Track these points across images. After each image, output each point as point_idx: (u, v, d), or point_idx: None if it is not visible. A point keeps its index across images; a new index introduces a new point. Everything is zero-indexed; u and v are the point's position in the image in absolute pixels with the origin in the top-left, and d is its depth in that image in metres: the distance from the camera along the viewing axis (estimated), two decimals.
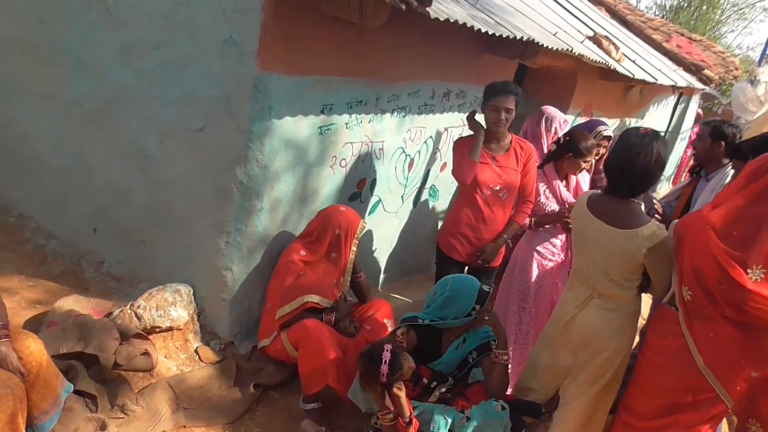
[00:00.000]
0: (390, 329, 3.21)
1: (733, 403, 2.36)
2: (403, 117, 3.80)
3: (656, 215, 3.46)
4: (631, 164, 2.48)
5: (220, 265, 3.10)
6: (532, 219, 3.61)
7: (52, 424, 2.29)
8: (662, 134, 2.59)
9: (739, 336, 2.30)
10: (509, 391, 3.08)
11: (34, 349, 2.22)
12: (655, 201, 3.59)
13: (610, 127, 4.13)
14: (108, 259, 3.53)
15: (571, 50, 4.22)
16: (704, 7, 20.07)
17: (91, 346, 2.65)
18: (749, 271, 2.21)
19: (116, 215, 3.45)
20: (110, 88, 3.28)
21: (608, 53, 5.42)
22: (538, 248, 3.63)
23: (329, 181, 3.44)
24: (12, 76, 3.70)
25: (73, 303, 2.95)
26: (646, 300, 2.75)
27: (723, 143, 3.66)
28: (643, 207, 3.13)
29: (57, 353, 2.57)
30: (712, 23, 20.22)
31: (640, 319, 2.84)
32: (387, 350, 2.62)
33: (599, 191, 2.74)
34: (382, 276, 4.36)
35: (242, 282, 3.17)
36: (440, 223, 4.54)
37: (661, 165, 2.48)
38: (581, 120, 5.67)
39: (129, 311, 2.92)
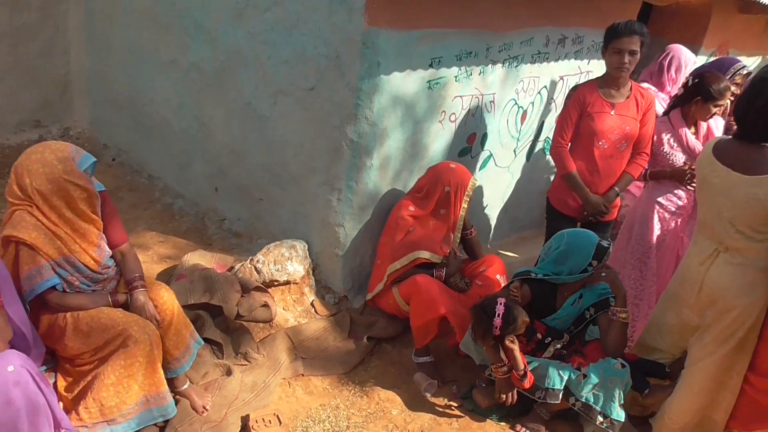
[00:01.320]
0: (502, 285, 3.17)
1: None
2: (515, 67, 3.65)
3: None
4: (755, 102, 2.30)
5: (333, 221, 3.18)
6: (648, 171, 3.38)
7: (184, 370, 2.48)
8: None
9: None
10: (629, 350, 2.95)
11: (167, 299, 2.40)
12: None
13: (749, 65, 3.72)
14: (229, 217, 3.74)
15: None
16: None
17: (216, 298, 2.84)
18: None
19: (235, 175, 3.63)
20: (225, 52, 3.41)
21: None
22: (659, 200, 3.40)
23: (438, 136, 3.39)
24: (140, 45, 3.96)
25: (198, 258, 3.17)
26: None
27: None
28: None
29: (186, 304, 2.77)
30: None
31: None
32: (501, 303, 2.60)
33: (729, 137, 2.51)
34: (493, 232, 4.29)
35: (354, 238, 3.24)
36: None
37: None
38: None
39: (249, 265, 3.09)
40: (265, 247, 3.20)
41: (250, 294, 2.94)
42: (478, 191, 3.91)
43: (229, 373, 2.70)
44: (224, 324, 2.89)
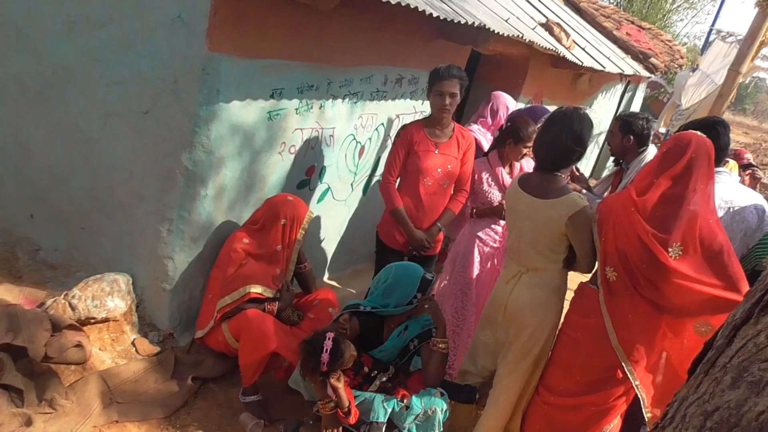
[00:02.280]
0: (334, 318, 3.21)
1: (639, 382, 2.50)
2: (355, 103, 3.75)
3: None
4: (549, 139, 2.65)
5: (162, 253, 3.01)
6: (474, 208, 3.64)
7: None
8: (584, 113, 2.71)
9: (652, 316, 2.45)
10: (451, 379, 3.13)
11: None
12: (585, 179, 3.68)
13: None
14: (44, 246, 3.38)
15: (522, 37, 4.23)
16: None
17: (20, 338, 2.55)
18: (669, 249, 2.37)
19: (54, 200, 3.30)
20: (52, 67, 3.11)
21: (559, 40, 5.47)
22: (479, 234, 3.66)
23: (277, 168, 3.37)
24: None
25: (2, 292, 2.82)
26: (573, 278, 2.84)
27: (632, 136, 3.78)
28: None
29: None
30: (663, 12, 20.67)
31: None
32: (329, 338, 2.63)
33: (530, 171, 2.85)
34: (329, 265, 4.34)
35: (184, 271, 3.10)
36: None
37: (577, 140, 2.62)
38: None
39: (63, 301, 2.81)
40: (84, 281, 2.93)
41: (61, 333, 2.67)
42: (316, 224, 3.95)
43: (28, 423, 2.41)
44: (29, 367, 2.59)
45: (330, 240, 4.22)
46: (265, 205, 3.21)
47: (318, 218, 3.91)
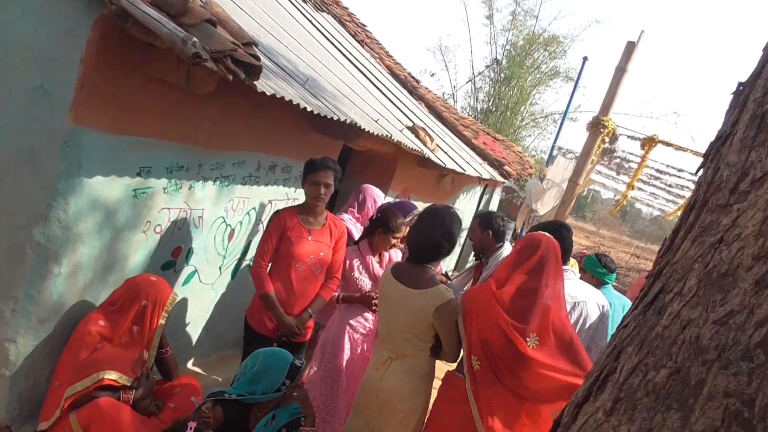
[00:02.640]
0: (197, 407, 3.00)
1: None
2: (226, 186, 3.74)
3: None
4: (422, 234, 2.82)
5: (3, 336, 2.71)
6: (340, 295, 3.68)
7: None
8: (452, 211, 2.92)
9: (515, 404, 2.57)
10: None
11: None
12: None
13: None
14: None
15: (390, 136, 4.52)
16: (508, 113, 22.97)
17: None
18: (528, 339, 2.53)
19: None
20: None
21: (424, 143, 5.89)
22: (351, 322, 3.69)
23: (141, 247, 3.23)
24: None
25: None
26: (440, 365, 2.91)
27: (490, 232, 4.07)
28: None
29: None
30: (513, 127, 23.13)
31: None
32: (190, 428, 2.46)
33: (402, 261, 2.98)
34: (194, 351, 4.11)
35: (28, 356, 2.80)
36: None
37: (447, 236, 2.81)
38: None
39: None
40: None
41: None
42: (181, 307, 3.76)
43: None
44: None
45: (195, 324, 4.03)
46: (125, 285, 3.03)
47: (183, 301, 3.74)
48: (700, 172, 1.08)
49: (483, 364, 2.60)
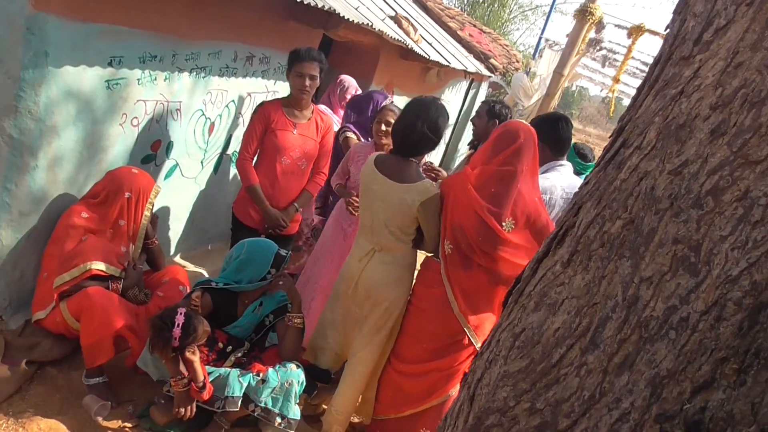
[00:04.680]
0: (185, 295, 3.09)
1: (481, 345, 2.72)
2: (203, 78, 3.64)
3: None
4: (407, 126, 2.75)
5: None
6: (337, 184, 3.62)
7: None
8: (440, 102, 2.85)
9: (488, 286, 2.67)
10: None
11: None
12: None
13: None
14: None
15: (371, 25, 4.37)
16: (496, 5, 22.14)
17: None
18: (503, 223, 2.60)
19: None
20: None
21: (407, 33, 5.71)
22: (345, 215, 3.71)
23: (119, 140, 3.18)
24: None
25: None
26: (421, 254, 2.99)
27: (497, 121, 4.07)
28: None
29: None
30: (501, 20, 22.36)
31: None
32: (180, 313, 2.54)
33: (387, 153, 2.95)
34: (180, 244, 4.16)
35: (13, 248, 2.81)
36: None
37: (433, 128, 2.75)
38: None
39: None
40: None
41: None
42: (163, 201, 3.77)
43: None
44: None
45: (179, 218, 4.05)
46: (106, 177, 3.00)
47: (166, 195, 3.73)
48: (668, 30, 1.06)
49: (454, 248, 2.68)
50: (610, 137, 1.11)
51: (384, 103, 3.96)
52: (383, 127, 3.44)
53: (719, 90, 0.89)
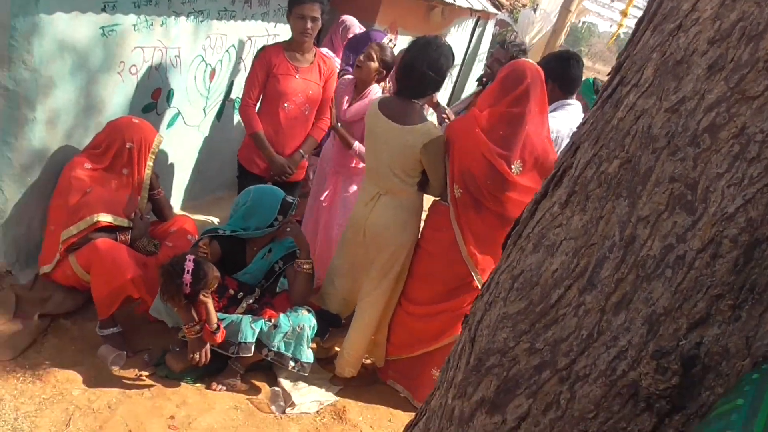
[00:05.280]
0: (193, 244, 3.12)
1: None
2: (201, 22, 3.55)
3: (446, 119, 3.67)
4: (408, 66, 2.69)
5: None
6: (340, 122, 3.52)
7: None
8: (442, 41, 2.78)
9: (496, 229, 2.64)
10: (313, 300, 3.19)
11: None
12: (446, 110, 3.79)
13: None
14: None
15: None
16: None
17: None
18: (512, 166, 2.58)
19: None
20: None
21: None
22: (325, 158, 3.68)
23: (118, 89, 3.13)
24: None
25: None
26: (428, 198, 2.97)
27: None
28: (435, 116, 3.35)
29: None
30: None
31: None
32: (189, 260, 2.56)
33: (390, 95, 2.91)
34: (186, 194, 4.17)
35: (17, 203, 2.82)
36: None
37: (434, 67, 2.68)
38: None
39: None
40: None
41: None
42: (167, 150, 3.75)
43: None
44: None
45: (184, 167, 4.04)
46: (107, 128, 2.97)
47: (170, 144, 3.70)
48: None
49: (464, 192, 2.67)
50: (608, 75, 1.07)
51: (382, 41, 3.87)
52: (361, 58, 3.40)
53: (717, 23, 0.85)
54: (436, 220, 2.86)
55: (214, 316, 2.60)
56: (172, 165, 3.87)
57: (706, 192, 0.82)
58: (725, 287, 0.80)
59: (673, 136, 0.86)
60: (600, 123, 1.00)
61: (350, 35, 4.18)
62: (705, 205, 0.82)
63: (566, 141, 3.09)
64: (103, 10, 2.83)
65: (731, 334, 0.81)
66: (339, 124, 3.46)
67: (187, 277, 2.53)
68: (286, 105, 3.35)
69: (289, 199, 2.94)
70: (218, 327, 2.61)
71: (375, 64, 3.38)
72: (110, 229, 2.88)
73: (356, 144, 3.38)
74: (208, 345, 2.64)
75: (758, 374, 0.74)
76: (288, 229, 2.95)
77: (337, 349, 3.18)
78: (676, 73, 0.89)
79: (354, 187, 3.54)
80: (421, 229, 2.96)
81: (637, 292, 0.87)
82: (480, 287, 2.68)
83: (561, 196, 1.02)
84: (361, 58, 3.41)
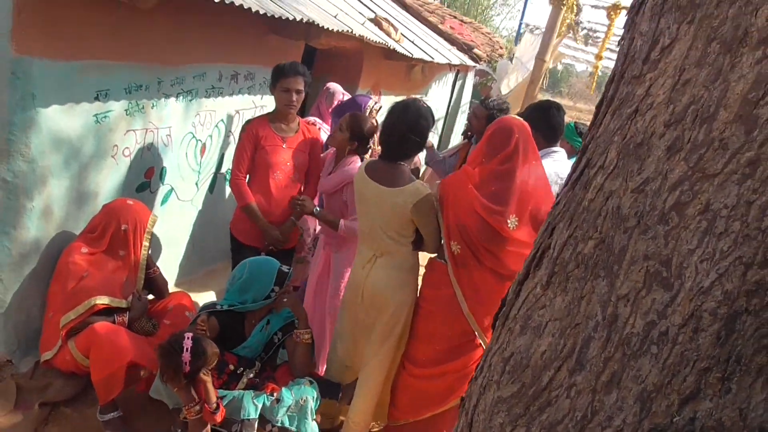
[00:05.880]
0: (191, 321, 3.12)
1: None
2: (190, 101, 3.66)
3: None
4: (389, 130, 2.79)
5: None
6: (317, 207, 3.48)
7: None
8: (421, 103, 2.86)
9: (496, 284, 2.66)
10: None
11: None
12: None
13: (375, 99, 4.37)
14: None
15: (352, 31, 4.39)
16: None
17: None
18: (508, 221, 2.60)
19: None
20: None
21: (388, 34, 5.71)
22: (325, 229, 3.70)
23: (112, 172, 3.20)
24: None
25: None
26: (424, 256, 3.00)
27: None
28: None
29: None
30: (481, 7, 22.32)
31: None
32: (188, 338, 2.55)
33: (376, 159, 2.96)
34: (181, 268, 4.19)
35: (16, 291, 2.84)
36: None
37: (415, 129, 2.77)
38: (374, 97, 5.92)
39: None
40: None
41: None
42: (162, 227, 3.78)
43: None
44: None
45: (179, 242, 4.08)
46: (102, 211, 3.03)
47: (165, 220, 3.74)
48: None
49: (462, 247, 2.68)
50: (576, 157, 1.13)
51: (368, 105, 3.99)
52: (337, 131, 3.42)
53: (671, 107, 0.91)
54: (433, 277, 2.88)
55: (213, 395, 2.58)
56: (167, 241, 3.91)
57: (680, 268, 0.86)
58: (711, 360, 0.83)
59: (642, 215, 0.91)
60: (572, 204, 1.05)
61: (335, 101, 4.31)
62: (681, 280, 0.85)
63: (555, 188, 3.16)
64: (96, 98, 2.93)
65: (724, 407, 0.82)
66: (317, 209, 3.41)
67: (187, 356, 2.52)
68: (276, 174, 3.42)
69: (285, 268, 2.96)
70: (218, 406, 2.58)
71: (344, 135, 3.37)
72: (108, 312, 2.89)
73: (341, 222, 3.31)
74: (209, 426, 2.61)
75: None
76: (285, 300, 2.95)
77: (342, 418, 3.15)
78: (638, 155, 0.94)
79: (345, 256, 3.50)
80: (419, 288, 2.97)
81: (625, 370, 0.89)
82: (484, 345, 2.70)
83: (542, 277, 1.06)
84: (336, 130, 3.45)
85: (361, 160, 3.44)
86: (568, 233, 1.03)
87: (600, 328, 0.93)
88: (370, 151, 3.76)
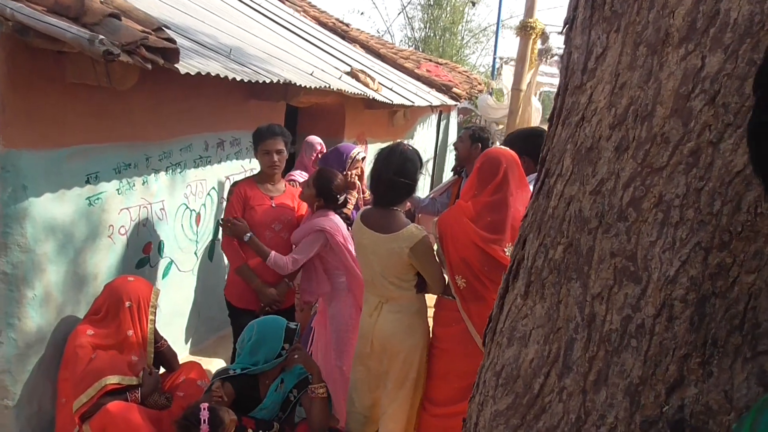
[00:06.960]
0: (204, 390, 3.11)
1: None
2: (180, 173, 3.74)
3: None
4: (376, 176, 2.84)
5: None
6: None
7: None
8: (405, 147, 2.93)
9: None
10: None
11: None
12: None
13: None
14: None
15: (330, 86, 4.52)
16: (447, 35, 22.70)
17: None
18: (506, 249, 2.62)
19: None
20: None
21: (366, 85, 5.86)
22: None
23: (110, 252, 3.25)
24: None
25: None
26: (431, 297, 3.00)
27: (480, 145, 4.23)
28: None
29: None
30: (456, 48, 22.89)
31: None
32: (204, 409, 2.54)
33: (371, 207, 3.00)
34: (192, 337, 4.19)
35: (26, 383, 2.84)
36: None
37: (403, 173, 2.82)
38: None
39: None
40: None
41: None
42: (165, 300, 3.81)
43: None
44: None
45: (183, 313, 4.09)
46: (104, 291, 3.07)
47: (167, 293, 3.78)
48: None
49: (468, 281, 2.69)
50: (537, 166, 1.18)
51: (350, 155, 4.09)
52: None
53: (613, 110, 0.96)
54: (443, 316, 2.87)
55: None
56: (172, 313, 3.93)
57: (645, 260, 0.89)
58: (689, 346, 0.85)
59: (603, 215, 0.94)
60: (539, 214, 1.09)
61: (315, 152, 4.42)
62: (648, 272, 0.89)
63: None
64: (87, 182, 3.01)
65: (709, 391, 0.84)
66: (248, 236, 3.37)
67: (205, 428, 2.50)
68: (266, 234, 3.46)
69: (292, 325, 2.97)
70: None
71: (310, 191, 3.42)
72: (120, 391, 2.88)
73: (272, 254, 3.33)
74: None
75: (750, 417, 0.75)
76: (296, 356, 2.94)
77: None
78: (590, 159, 0.99)
79: (338, 307, 3.51)
80: (431, 329, 2.96)
81: (610, 367, 0.91)
82: None
83: (520, 287, 1.09)
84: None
85: (338, 214, 3.51)
86: (538, 242, 1.06)
87: (580, 328, 0.95)
88: (354, 200, 3.84)
